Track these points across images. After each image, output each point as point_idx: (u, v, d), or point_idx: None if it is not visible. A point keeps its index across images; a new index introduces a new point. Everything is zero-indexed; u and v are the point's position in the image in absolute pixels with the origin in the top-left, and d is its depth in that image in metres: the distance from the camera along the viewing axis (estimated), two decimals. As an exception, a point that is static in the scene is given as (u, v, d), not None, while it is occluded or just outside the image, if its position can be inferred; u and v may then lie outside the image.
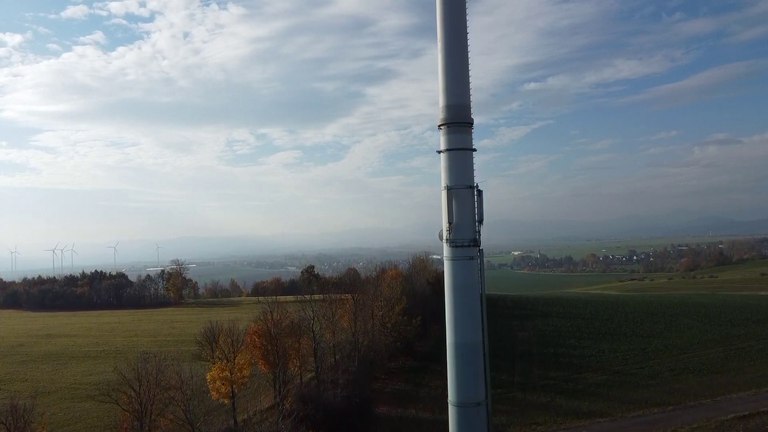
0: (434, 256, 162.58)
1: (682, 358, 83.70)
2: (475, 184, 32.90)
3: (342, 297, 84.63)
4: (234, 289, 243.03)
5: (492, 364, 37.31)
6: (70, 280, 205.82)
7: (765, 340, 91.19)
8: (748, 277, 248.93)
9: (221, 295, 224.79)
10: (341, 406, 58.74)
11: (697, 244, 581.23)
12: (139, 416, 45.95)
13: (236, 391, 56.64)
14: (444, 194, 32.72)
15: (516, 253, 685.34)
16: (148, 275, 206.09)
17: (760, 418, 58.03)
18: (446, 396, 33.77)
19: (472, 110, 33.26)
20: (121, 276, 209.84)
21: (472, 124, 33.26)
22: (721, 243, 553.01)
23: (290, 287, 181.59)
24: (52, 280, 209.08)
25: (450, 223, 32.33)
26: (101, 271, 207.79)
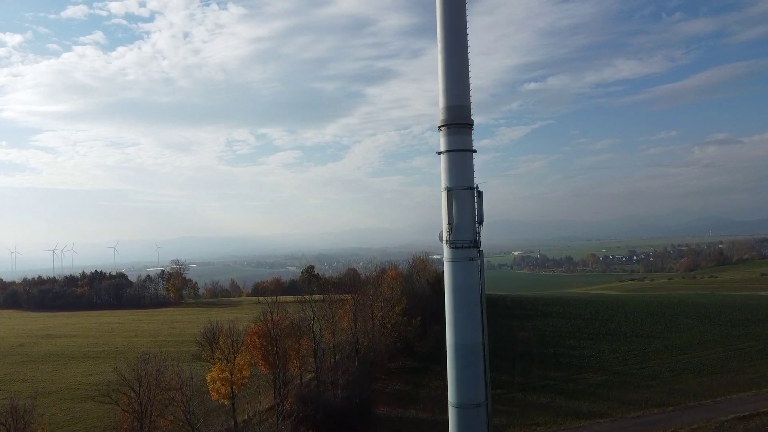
0: (434, 256, 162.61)
1: (682, 358, 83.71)
2: (475, 186, 32.91)
3: (342, 297, 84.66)
4: (234, 289, 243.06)
5: (492, 365, 37.32)
6: (70, 281, 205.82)
7: (765, 341, 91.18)
8: (748, 277, 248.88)
9: (221, 295, 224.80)
10: (341, 406, 58.74)
11: (697, 244, 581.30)
12: (139, 417, 45.92)
13: (236, 391, 56.58)
14: (444, 195, 32.71)
15: (516, 253, 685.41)
16: (148, 275, 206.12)
17: (761, 419, 58.05)
18: (446, 396, 33.77)
19: (472, 111, 33.26)
20: (121, 276, 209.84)
21: (472, 125, 33.25)
22: (721, 243, 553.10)
23: (290, 287, 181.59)
24: (52, 281, 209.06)
25: (450, 224, 32.32)
26: (101, 272, 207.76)
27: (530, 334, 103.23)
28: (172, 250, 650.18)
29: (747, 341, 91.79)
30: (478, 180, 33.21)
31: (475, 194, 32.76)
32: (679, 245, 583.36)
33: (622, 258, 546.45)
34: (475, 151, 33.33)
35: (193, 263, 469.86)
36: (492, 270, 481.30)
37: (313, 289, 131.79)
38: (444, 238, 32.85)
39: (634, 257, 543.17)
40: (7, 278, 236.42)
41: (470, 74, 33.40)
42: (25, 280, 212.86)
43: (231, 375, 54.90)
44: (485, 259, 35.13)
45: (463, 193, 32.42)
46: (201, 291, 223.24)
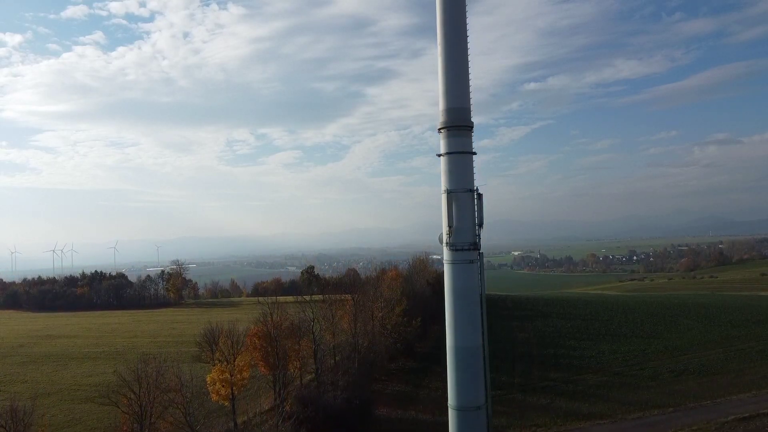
0: (434, 256, 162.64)
1: (682, 359, 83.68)
2: (475, 188, 32.90)
3: (342, 298, 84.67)
4: (234, 289, 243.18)
5: (492, 366, 37.30)
6: (70, 281, 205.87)
7: (765, 342, 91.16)
8: (748, 277, 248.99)
9: (221, 295, 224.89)
10: (341, 407, 58.66)
11: (697, 244, 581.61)
12: (138, 419, 45.88)
13: (236, 393, 56.57)
14: (444, 198, 32.70)
15: (516, 253, 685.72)
16: (148, 276, 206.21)
17: (761, 420, 57.99)
18: (446, 398, 33.75)
19: (472, 111, 33.26)
20: (121, 276, 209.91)
21: (472, 127, 33.24)
22: (721, 243, 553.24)
23: (290, 287, 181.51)
24: (52, 281, 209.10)
25: (450, 226, 32.31)
26: (101, 272, 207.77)
27: (530, 334, 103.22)
28: (172, 250, 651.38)
29: (747, 342, 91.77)
30: (478, 182, 33.26)
31: (475, 196, 32.75)
32: (679, 245, 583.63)
33: (622, 258, 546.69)
34: (475, 153, 33.33)
35: (193, 263, 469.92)
36: (492, 270, 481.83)
37: (313, 290, 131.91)
38: (444, 241, 32.84)
39: (634, 257, 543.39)
40: (7, 278, 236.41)
41: (470, 75, 33.41)
42: (25, 280, 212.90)
43: (231, 376, 54.88)
44: (485, 260, 35.12)
45: (463, 196, 32.41)
46: (201, 291, 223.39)
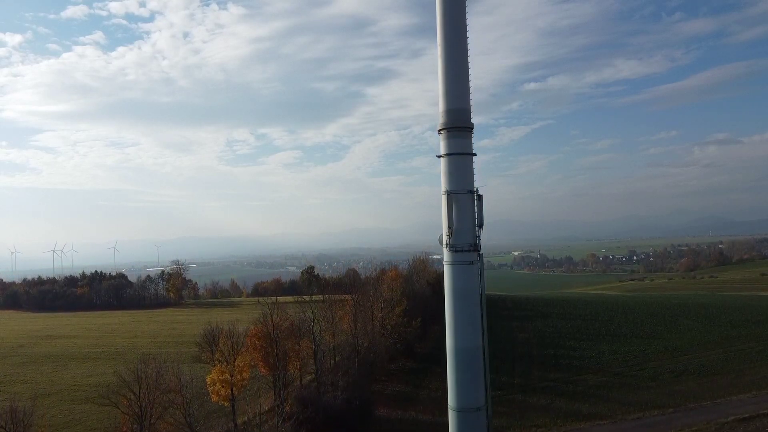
0: (434, 256, 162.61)
1: (682, 359, 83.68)
2: (475, 189, 32.87)
3: (342, 298, 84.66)
4: (234, 289, 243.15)
5: (492, 366, 37.27)
6: (70, 281, 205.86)
7: (765, 342, 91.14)
8: (748, 277, 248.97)
9: (221, 295, 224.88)
10: (341, 408, 58.67)
11: (697, 244, 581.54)
12: (138, 419, 45.86)
13: (236, 393, 56.56)
14: (444, 199, 32.67)
15: (516, 253, 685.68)
16: (148, 276, 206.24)
17: (761, 421, 57.98)
18: (446, 398, 33.74)
19: (472, 112, 33.25)
20: (121, 276, 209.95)
21: (472, 128, 33.21)
22: (721, 243, 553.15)
23: (290, 288, 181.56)
24: (52, 281, 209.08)
25: (450, 227, 32.28)
26: (101, 272, 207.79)
27: (530, 335, 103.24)
28: (172, 250, 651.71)
29: (747, 342, 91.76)
30: (478, 183, 33.23)
31: (475, 198, 32.73)
32: (679, 245, 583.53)
33: (622, 258, 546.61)
34: (475, 154, 33.30)
35: (193, 263, 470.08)
36: (492, 270, 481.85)
37: (313, 290, 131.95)
38: (444, 242, 32.81)
39: (634, 257, 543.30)
40: (7, 278, 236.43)
41: (470, 75, 33.38)
42: (24, 280, 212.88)
43: (231, 377, 54.89)
44: (485, 260, 35.10)
45: (463, 197, 32.37)
46: (201, 291, 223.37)
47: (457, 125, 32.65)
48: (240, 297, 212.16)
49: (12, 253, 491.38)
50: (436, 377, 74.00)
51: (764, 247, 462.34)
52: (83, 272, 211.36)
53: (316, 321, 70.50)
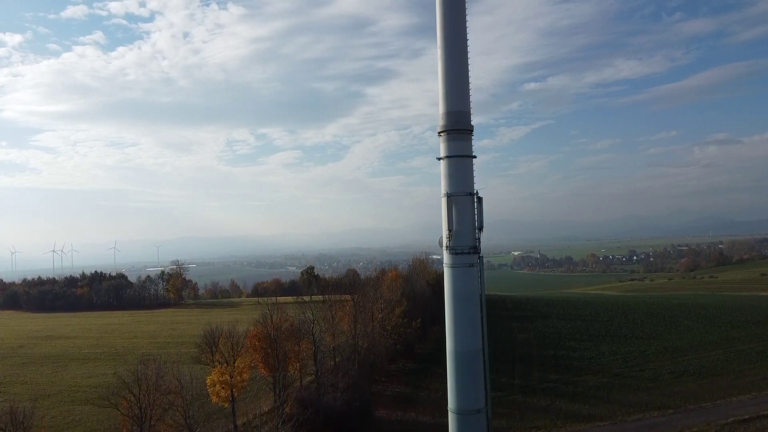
0: (434, 257, 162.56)
1: (682, 360, 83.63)
2: (475, 191, 32.84)
3: (342, 299, 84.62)
4: (234, 289, 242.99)
5: (492, 367, 37.24)
6: (70, 281, 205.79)
7: (765, 343, 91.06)
8: (748, 277, 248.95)
9: (221, 295, 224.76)
10: (341, 409, 58.65)
11: (697, 244, 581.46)
12: (138, 421, 45.84)
13: (236, 394, 56.54)
14: (444, 201, 32.65)
15: (516, 253, 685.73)
16: (148, 276, 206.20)
17: (761, 422, 57.93)
18: (446, 399, 33.71)
19: (472, 111, 33.22)
20: (121, 277, 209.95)
21: (472, 130, 33.20)
22: (721, 243, 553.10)
23: (290, 288, 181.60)
24: (52, 281, 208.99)
25: (450, 230, 32.26)
26: (101, 272, 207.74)
27: (530, 335, 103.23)
28: (172, 250, 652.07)
29: (747, 343, 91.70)
30: (478, 185, 33.20)
31: (475, 200, 32.71)
32: (679, 245, 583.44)
33: (622, 258, 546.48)
34: (475, 156, 33.28)
35: (193, 263, 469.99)
36: (492, 270, 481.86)
37: (313, 290, 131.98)
38: (444, 244, 32.80)
39: (634, 257, 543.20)
40: (7, 279, 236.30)
41: (470, 75, 33.35)
42: (24, 280, 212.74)
43: (231, 378, 54.86)
44: (485, 260, 35.09)
45: (463, 199, 32.35)
46: (201, 292, 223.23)
47: (457, 128, 32.64)
48: (240, 297, 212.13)
49: (12, 253, 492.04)
50: (436, 378, 73.96)
51: (764, 247, 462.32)
52: (83, 272, 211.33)
53: (316, 322, 70.49)
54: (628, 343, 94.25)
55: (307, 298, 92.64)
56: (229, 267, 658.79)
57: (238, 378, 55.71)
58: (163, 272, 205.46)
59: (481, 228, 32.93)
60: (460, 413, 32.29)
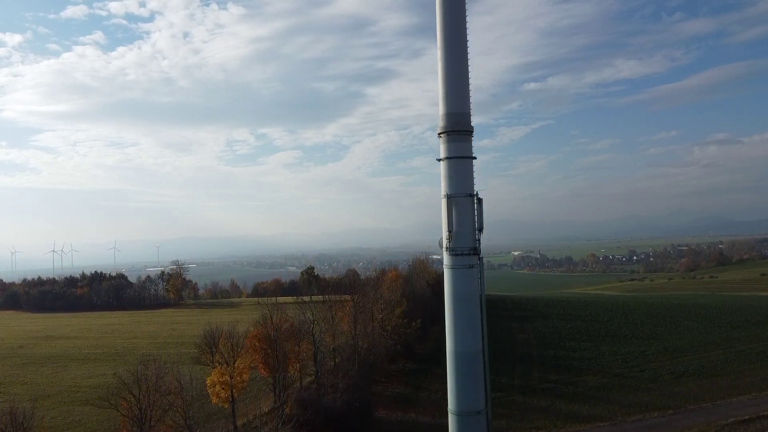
0: (434, 257, 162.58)
1: (682, 360, 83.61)
2: (475, 192, 32.83)
3: (342, 299, 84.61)
4: (234, 289, 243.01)
5: (492, 367, 37.25)
6: (70, 281, 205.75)
7: (765, 343, 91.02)
8: (748, 277, 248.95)
9: (221, 295, 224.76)
10: (341, 410, 58.67)
11: (697, 244, 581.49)
12: (138, 422, 45.82)
13: (236, 395, 56.55)
14: (444, 202, 32.64)
15: (516, 253, 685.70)
16: (148, 276, 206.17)
17: (761, 423, 57.91)
18: (446, 400, 33.70)
19: (472, 111, 33.21)
20: (121, 277, 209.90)
21: (472, 132, 33.20)
22: (721, 243, 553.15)
23: (290, 288, 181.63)
24: (52, 281, 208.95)
25: (450, 231, 32.25)
26: (101, 272, 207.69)
27: (530, 335, 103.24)
28: (172, 250, 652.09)
29: (747, 343, 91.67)
30: (478, 185, 33.19)
31: (475, 201, 32.70)
32: (679, 245, 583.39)
33: (622, 258, 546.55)
34: (474, 158, 33.28)
35: (193, 263, 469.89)
36: (492, 270, 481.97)
37: (313, 290, 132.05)
38: (444, 245, 32.80)
39: (634, 257, 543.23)
40: (7, 279, 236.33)
41: (470, 75, 33.34)
42: (24, 280, 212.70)
43: (231, 379, 54.86)
44: (485, 260, 35.08)
45: (463, 200, 32.35)
46: (201, 292, 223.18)
47: (457, 129, 32.64)
48: (240, 297, 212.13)
49: (12, 253, 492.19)
50: (436, 378, 73.98)
51: (764, 247, 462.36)
52: (83, 272, 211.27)
53: (316, 322, 70.50)
54: (628, 344, 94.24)
55: (307, 299, 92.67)
56: (229, 267, 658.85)
57: (238, 379, 55.72)
58: (163, 272, 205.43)
59: (481, 229, 32.92)
60: (460, 415, 32.29)
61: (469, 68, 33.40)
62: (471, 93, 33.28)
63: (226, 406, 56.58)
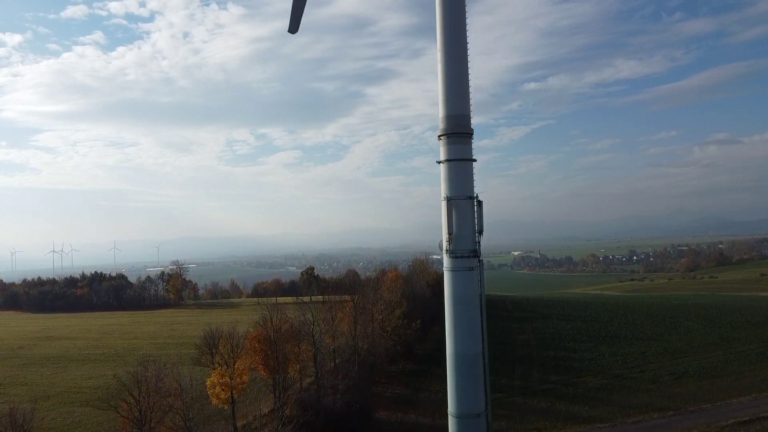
0: (434, 257, 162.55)
1: (682, 361, 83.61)
2: (475, 195, 32.72)
3: (342, 299, 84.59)
4: (234, 290, 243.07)
5: (492, 368, 37.15)
6: (70, 282, 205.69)
7: (765, 344, 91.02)
8: (748, 277, 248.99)
9: (221, 296, 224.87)
10: (341, 411, 58.70)
11: (697, 244, 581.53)
12: (138, 423, 45.79)
13: (236, 396, 56.47)
14: (444, 205, 32.51)
15: (516, 253, 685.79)
16: (148, 276, 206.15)
17: (761, 424, 57.95)
18: (446, 401, 33.62)
19: (472, 111, 33.07)
20: (121, 277, 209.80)
21: (472, 134, 33.07)
22: (721, 243, 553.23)
23: (290, 288, 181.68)
24: (52, 282, 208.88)
25: (450, 233, 32.13)
26: (101, 273, 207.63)
27: (530, 336, 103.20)
28: (172, 250, 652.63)
29: (747, 344, 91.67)
30: (479, 186, 33.07)
31: (475, 204, 32.58)
32: (679, 245, 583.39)
33: (622, 258, 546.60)
34: (474, 160, 33.13)
35: (193, 263, 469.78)
36: (492, 270, 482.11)
37: (313, 291, 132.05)
38: (444, 248, 32.68)
39: (634, 257, 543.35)
40: (7, 279, 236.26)
41: (470, 76, 33.18)
42: (24, 281, 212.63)
43: (231, 380, 54.80)
44: (485, 260, 34.95)
45: (463, 203, 32.21)
46: (201, 292, 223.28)
47: (457, 131, 32.46)
48: (240, 298, 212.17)
49: (12, 253, 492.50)
50: (436, 379, 73.97)
51: (764, 247, 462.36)
52: (83, 273, 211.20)
53: (315, 323, 70.47)
54: (628, 344, 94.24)
55: (306, 299, 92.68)
56: (229, 267, 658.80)
57: (238, 380, 55.64)
58: (163, 272, 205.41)
59: (481, 231, 32.78)
60: (460, 417, 32.17)
61: (469, 69, 33.28)
62: (471, 94, 33.16)
63: (226, 408, 56.51)
